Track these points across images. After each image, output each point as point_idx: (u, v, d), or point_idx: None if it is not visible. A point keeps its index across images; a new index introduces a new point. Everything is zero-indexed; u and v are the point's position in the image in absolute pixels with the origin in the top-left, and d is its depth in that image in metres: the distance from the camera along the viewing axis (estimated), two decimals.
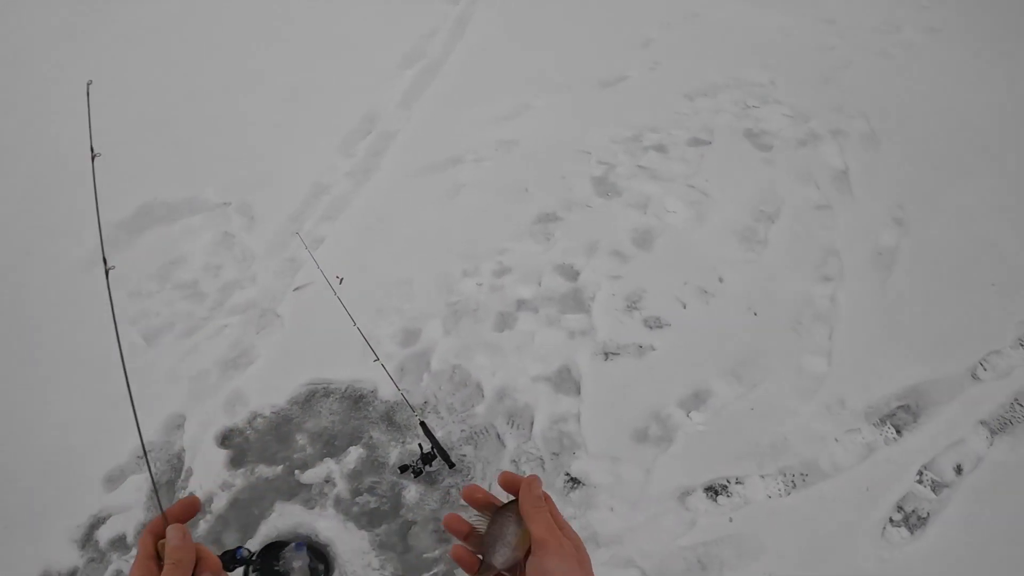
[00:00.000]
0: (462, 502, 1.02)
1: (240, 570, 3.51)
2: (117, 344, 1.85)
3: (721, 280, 4.97)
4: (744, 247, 5.21)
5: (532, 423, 4.21)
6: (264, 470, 4.17)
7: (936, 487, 3.83)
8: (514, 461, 4.05)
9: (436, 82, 7.54)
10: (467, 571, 1.02)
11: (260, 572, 3.57)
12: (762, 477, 3.92)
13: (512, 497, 1.04)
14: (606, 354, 4.56)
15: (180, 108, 7.33)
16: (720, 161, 6.03)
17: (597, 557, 3.52)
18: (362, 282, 5.10)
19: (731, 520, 3.75)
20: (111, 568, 3.79)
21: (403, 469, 3.90)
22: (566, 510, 3.83)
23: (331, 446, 4.26)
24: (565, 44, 7.99)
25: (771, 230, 5.31)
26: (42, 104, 7.48)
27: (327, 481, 4.08)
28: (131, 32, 8.77)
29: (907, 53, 7.31)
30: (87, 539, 3.93)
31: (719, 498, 3.85)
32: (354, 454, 4.18)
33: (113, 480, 4.17)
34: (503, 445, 4.15)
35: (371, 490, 4.02)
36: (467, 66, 7.76)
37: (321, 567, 3.68)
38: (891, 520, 3.71)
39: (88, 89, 3.35)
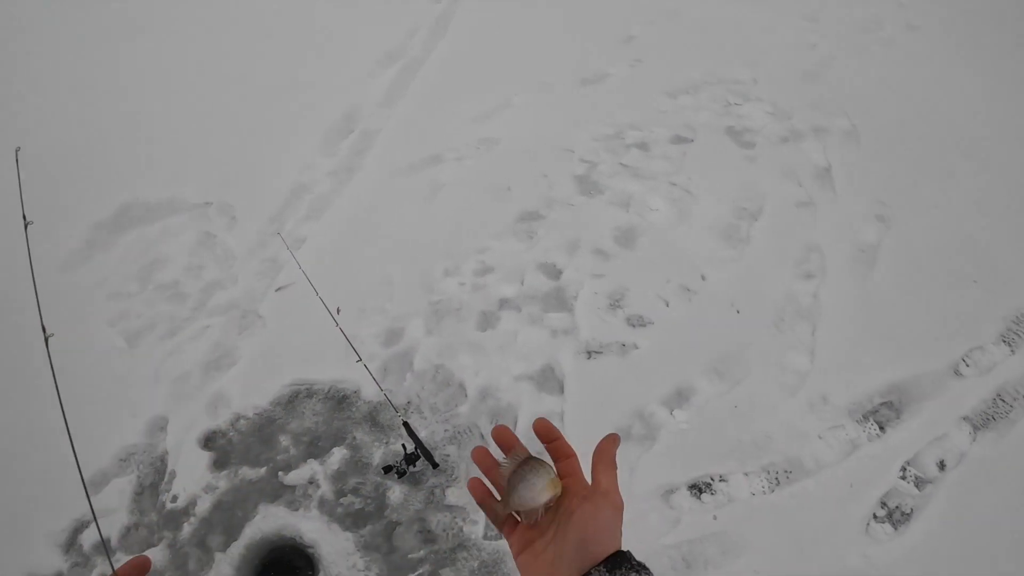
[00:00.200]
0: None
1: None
2: (62, 414, 1.84)
3: (704, 278, 4.97)
4: (727, 245, 5.21)
5: (516, 422, 4.19)
6: (248, 472, 4.16)
7: (919, 483, 3.85)
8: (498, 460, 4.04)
9: (418, 80, 7.51)
10: (479, 503, 1.09)
11: None
12: (746, 475, 3.93)
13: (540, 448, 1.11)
14: (589, 353, 4.56)
15: (159, 106, 7.27)
16: (702, 159, 6.02)
17: None
18: (344, 282, 5.07)
19: (715, 518, 3.76)
20: (95, 572, 3.78)
21: (387, 470, 3.89)
22: None
23: (315, 447, 4.24)
24: (546, 42, 7.97)
25: (754, 227, 5.32)
26: None
27: (311, 482, 4.07)
28: (109, 30, 8.70)
29: (888, 50, 7.33)
30: (71, 543, 3.91)
31: (703, 496, 3.85)
32: (338, 455, 4.16)
33: (96, 484, 4.14)
34: (487, 445, 4.13)
35: (355, 491, 4.01)
36: (449, 64, 7.73)
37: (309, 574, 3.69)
38: (875, 516, 3.72)
39: (17, 156, 3.32)
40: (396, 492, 3.98)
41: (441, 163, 6.26)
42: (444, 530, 3.84)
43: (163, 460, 4.26)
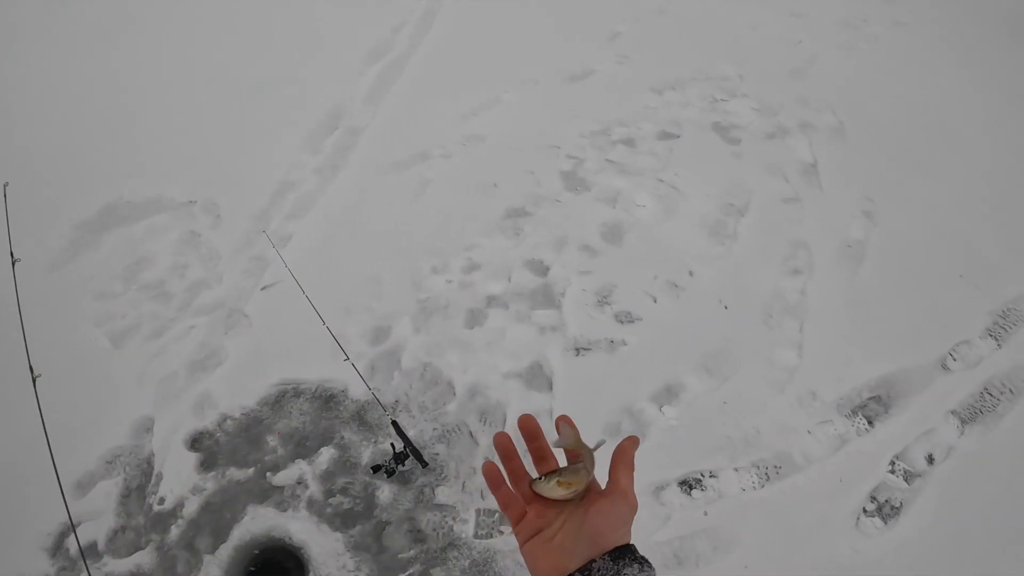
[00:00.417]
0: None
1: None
2: (48, 451, 1.82)
3: (691, 274, 4.97)
4: (714, 241, 5.21)
5: (504, 420, 4.19)
6: (235, 473, 4.13)
7: (908, 477, 3.86)
8: (487, 459, 4.03)
9: (403, 77, 7.47)
10: (491, 487, 1.09)
11: None
12: (736, 470, 3.94)
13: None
14: (577, 350, 4.55)
15: (142, 104, 7.21)
16: (689, 155, 6.02)
17: None
18: (330, 280, 5.05)
19: (706, 514, 3.76)
20: None
21: (376, 469, 3.86)
22: None
23: (302, 447, 4.22)
24: (533, 38, 7.95)
25: (740, 223, 5.32)
26: None
27: (299, 483, 4.05)
28: (91, 26, 8.62)
29: (874, 46, 7.34)
30: (57, 547, 3.89)
31: (693, 492, 3.85)
32: (326, 455, 4.14)
33: (83, 486, 4.12)
34: (476, 443, 4.14)
35: (344, 491, 3.99)
36: (434, 60, 7.70)
37: None
38: (864, 510, 3.73)
39: (5, 191, 3.29)
40: (385, 491, 3.97)
41: (427, 160, 6.24)
42: (434, 529, 3.82)
43: (149, 462, 4.23)
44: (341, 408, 4.40)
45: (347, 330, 4.71)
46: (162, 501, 4.04)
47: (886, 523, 3.69)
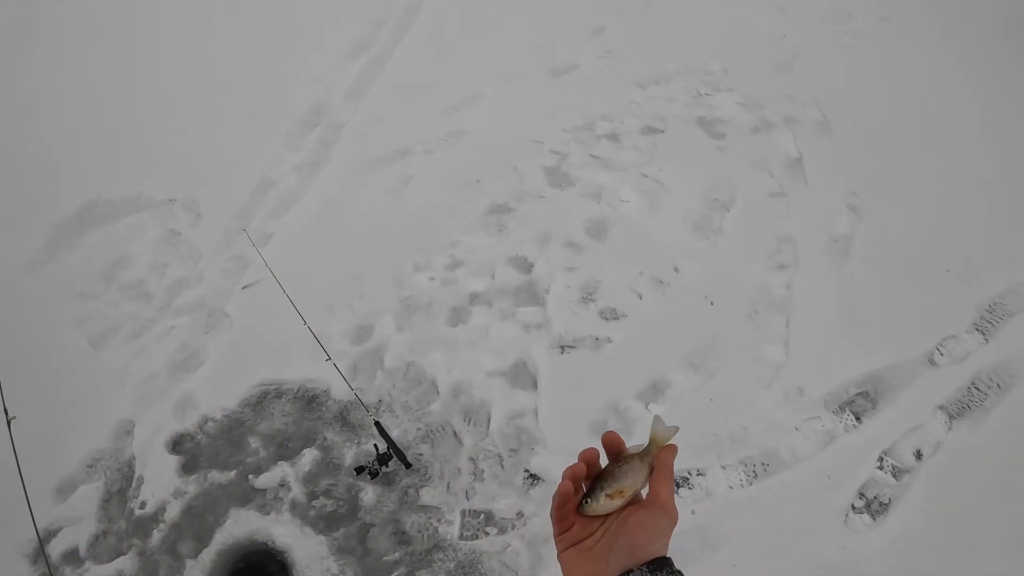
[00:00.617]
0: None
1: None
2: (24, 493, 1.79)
3: (677, 270, 4.94)
4: (699, 236, 5.19)
5: (489, 420, 4.16)
6: (217, 476, 4.09)
7: (897, 472, 3.85)
8: (472, 459, 4.01)
9: (385, 72, 7.41)
10: (560, 502, 1.08)
11: None
12: (723, 468, 3.92)
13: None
14: (562, 347, 4.52)
15: (122, 102, 7.13)
16: (673, 150, 5.99)
17: None
18: (312, 278, 5.00)
19: (693, 512, 3.74)
20: None
21: (359, 471, 3.83)
22: (526, 507, 3.80)
23: (285, 449, 4.18)
24: (515, 32, 7.90)
25: (726, 218, 5.30)
26: None
27: (282, 485, 4.01)
28: (71, 25, 8.54)
29: (859, 41, 7.33)
30: (39, 553, 3.83)
31: (681, 490, 3.84)
32: (308, 456, 4.10)
33: (63, 491, 4.08)
34: (460, 443, 4.10)
35: (327, 493, 3.95)
36: (416, 56, 7.64)
37: None
38: (853, 507, 3.72)
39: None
40: (369, 493, 3.93)
41: (409, 156, 6.18)
42: (419, 531, 3.79)
43: (130, 465, 4.18)
44: (324, 409, 4.36)
45: (329, 329, 4.67)
46: (143, 505, 4.00)
47: (875, 519, 3.68)
